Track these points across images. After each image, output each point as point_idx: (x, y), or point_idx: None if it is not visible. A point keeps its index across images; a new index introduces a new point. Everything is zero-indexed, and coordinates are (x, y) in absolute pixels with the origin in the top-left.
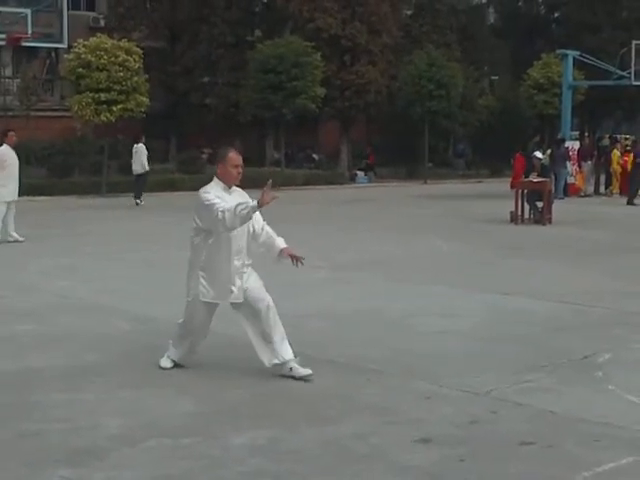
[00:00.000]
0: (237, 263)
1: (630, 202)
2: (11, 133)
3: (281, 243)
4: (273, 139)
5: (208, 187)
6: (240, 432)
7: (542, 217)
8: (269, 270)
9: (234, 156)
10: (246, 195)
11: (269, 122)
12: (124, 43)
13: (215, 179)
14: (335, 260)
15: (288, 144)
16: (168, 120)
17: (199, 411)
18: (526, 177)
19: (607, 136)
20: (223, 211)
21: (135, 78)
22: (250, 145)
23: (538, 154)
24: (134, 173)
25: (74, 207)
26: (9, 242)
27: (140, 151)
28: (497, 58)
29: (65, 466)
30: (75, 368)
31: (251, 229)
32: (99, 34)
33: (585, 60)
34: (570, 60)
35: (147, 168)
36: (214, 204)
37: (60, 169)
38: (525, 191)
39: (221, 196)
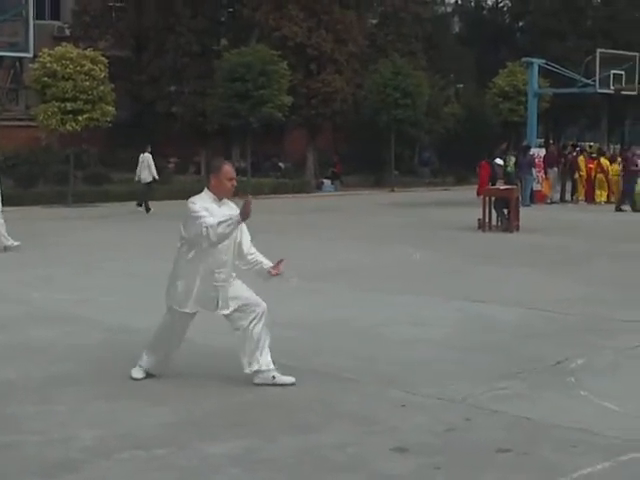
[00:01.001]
0: (221, 276)
1: (618, 208)
2: None
3: (267, 264)
4: (239, 148)
5: (197, 198)
6: (216, 442)
7: (510, 224)
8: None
9: (229, 169)
10: (235, 207)
11: (235, 131)
12: (90, 52)
13: (206, 190)
14: (304, 269)
15: (254, 153)
16: (135, 129)
17: (174, 421)
18: (492, 184)
19: (570, 144)
20: (207, 227)
21: (101, 87)
22: (216, 154)
23: (499, 161)
24: (142, 182)
25: (41, 217)
26: None
27: (147, 160)
28: (462, 66)
29: (39, 478)
30: (49, 379)
31: (236, 246)
32: (64, 43)
33: (550, 68)
34: (535, 68)
35: (156, 176)
36: (200, 217)
37: (25, 179)
38: (492, 198)
39: (209, 208)
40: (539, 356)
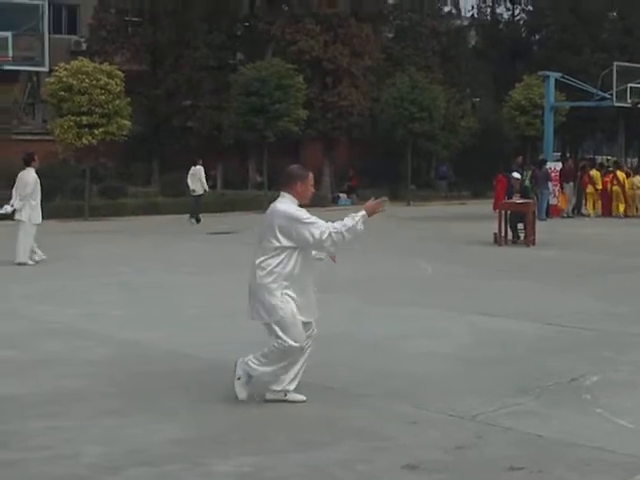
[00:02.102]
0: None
1: None
2: (35, 156)
3: None
4: (255, 162)
5: (290, 203)
6: (224, 459)
7: (525, 239)
8: (246, 293)
9: (311, 175)
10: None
11: (251, 145)
12: (105, 66)
13: (289, 197)
14: (317, 282)
15: (271, 167)
16: (150, 143)
17: (183, 438)
18: (509, 198)
19: (587, 158)
20: (331, 232)
21: (117, 101)
22: (233, 168)
23: (516, 174)
24: (192, 194)
25: (57, 231)
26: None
27: (198, 172)
28: (479, 80)
29: None
30: (56, 394)
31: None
32: (81, 57)
33: (567, 81)
34: (552, 81)
35: (207, 188)
36: (316, 222)
37: (42, 193)
38: (508, 212)
39: None
40: (553, 372)
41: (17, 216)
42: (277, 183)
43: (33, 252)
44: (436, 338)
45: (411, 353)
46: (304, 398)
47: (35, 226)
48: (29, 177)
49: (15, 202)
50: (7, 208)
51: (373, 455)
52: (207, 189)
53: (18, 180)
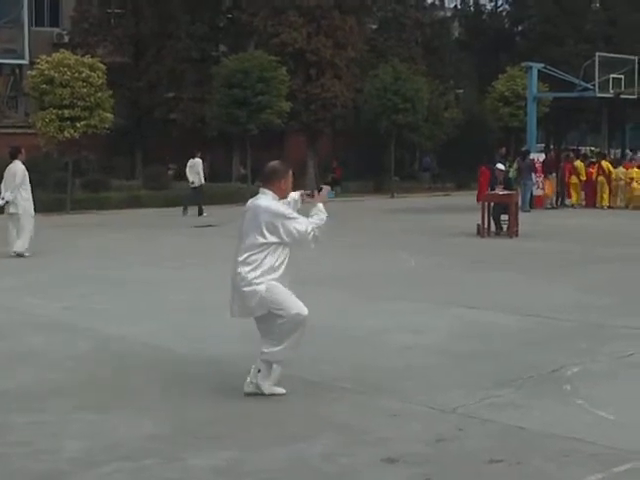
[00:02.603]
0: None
1: None
2: (22, 149)
3: None
4: (239, 154)
5: (271, 199)
6: (202, 453)
7: (508, 230)
8: (229, 287)
9: (290, 172)
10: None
11: (235, 137)
12: (87, 59)
13: (271, 193)
14: (300, 276)
15: (254, 159)
16: (133, 136)
17: (162, 432)
18: (491, 190)
19: (570, 149)
20: (313, 227)
21: (99, 94)
22: (216, 161)
23: (500, 166)
24: (191, 186)
25: (40, 225)
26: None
27: (197, 164)
28: (462, 71)
29: None
30: (37, 389)
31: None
32: (63, 50)
33: (549, 72)
34: (534, 72)
35: (203, 181)
36: (299, 218)
37: None
38: (491, 204)
39: None
40: (535, 364)
41: (11, 209)
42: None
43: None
44: (419, 332)
45: (394, 347)
46: (284, 391)
47: (32, 217)
48: (17, 169)
49: (5, 194)
50: None
51: (354, 448)
52: (203, 182)
53: (6, 174)
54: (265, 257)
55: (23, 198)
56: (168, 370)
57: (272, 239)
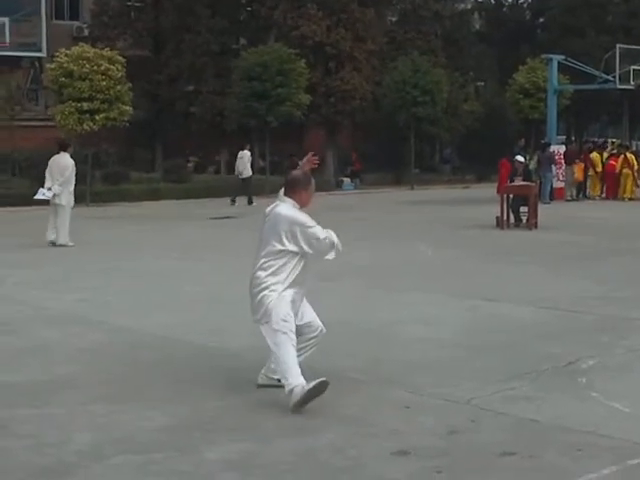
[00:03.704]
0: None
1: None
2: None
3: None
4: (258, 147)
5: (293, 208)
6: (213, 446)
7: (527, 222)
8: (246, 278)
9: (314, 183)
10: None
11: (254, 130)
12: (106, 52)
13: (291, 201)
14: (318, 267)
15: (274, 152)
16: (153, 129)
17: (172, 425)
18: (511, 182)
19: (591, 140)
20: (329, 238)
21: (118, 87)
22: (236, 153)
23: (520, 158)
24: (240, 177)
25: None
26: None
27: (245, 156)
28: (482, 64)
29: None
30: (47, 382)
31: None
32: (82, 43)
33: (570, 64)
34: (555, 64)
35: (250, 173)
36: (318, 226)
37: (44, 179)
38: (511, 196)
39: None
40: (550, 356)
41: (56, 200)
42: (280, 170)
43: (53, 233)
44: (433, 323)
45: (408, 339)
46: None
47: (70, 210)
48: (67, 162)
49: (54, 187)
50: (46, 193)
51: (364, 441)
52: (250, 173)
53: (53, 164)
54: (283, 265)
55: (69, 191)
56: (181, 362)
57: (291, 247)
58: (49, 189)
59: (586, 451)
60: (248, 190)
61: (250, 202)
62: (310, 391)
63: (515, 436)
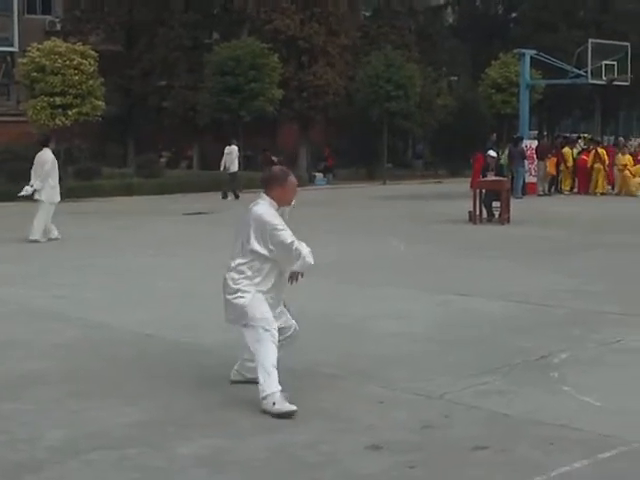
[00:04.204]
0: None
1: None
2: (52, 137)
3: None
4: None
5: (267, 207)
6: (187, 442)
7: (500, 217)
8: (220, 274)
9: (293, 180)
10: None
11: (227, 125)
12: (79, 46)
13: (268, 199)
14: None
15: (247, 147)
16: (125, 124)
17: (145, 421)
18: (483, 176)
19: (562, 135)
20: (297, 246)
21: (90, 82)
22: (209, 148)
23: (492, 152)
24: (227, 172)
25: (33, 213)
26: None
27: (233, 152)
28: (455, 58)
29: None
30: (20, 378)
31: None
32: (54, 38)
33: (542, 59)
34: (527, 59)
35: (236, 168)
36: (287, 231)
37: (16, 175)
38: (483, 191)
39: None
40: (522, 350)
41: (37, 196)
42: (253, 165)
43: (48, 230)
44: (406, 318)
45: (381, 333)
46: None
47: (53, 205)
48: (47, 157)
49: (35, 182)
50: (27, 189)
51: (337, 436)
52: (236, 169)
53: (36, 161)
54: (258, 269)
55: (50, 186)
56: (155, 358)
57: (259, 248)
58: (31, 185)
59: (558, 445)
60: (234, 185)
61: (236, 197)
62: (280, 414)
63: (488, 430)
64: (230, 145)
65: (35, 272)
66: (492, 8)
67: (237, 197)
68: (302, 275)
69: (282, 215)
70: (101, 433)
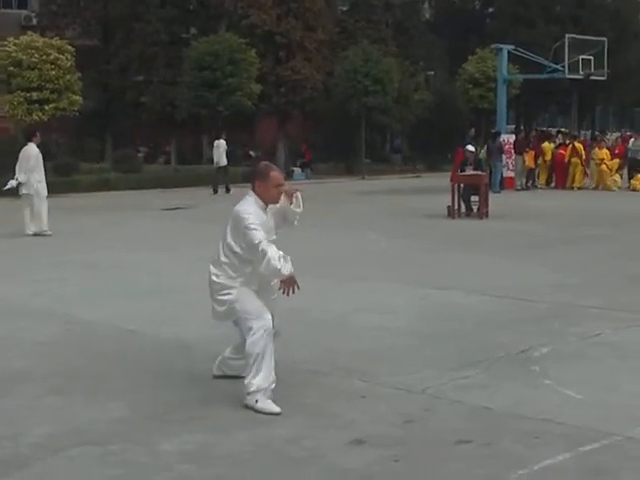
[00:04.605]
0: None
1: None
2: (37, 132)
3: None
4: (210, 137)
5: (248, 205)
6: (170, 437)
7: (478, 211)
8: (201, 269)
9: (277, 175)
10: (277, 208)
11: (205, 119)
12: (56, 41)
13: (253, 195)
14: None
15: (225, 142)
16: (103, 119)
17: (128, 417)
18: (462, 171)
19: (540, 130)
20: (266, 250)
21: (67, 76)
22: (186, 143)
23: (470, 147)
24: (215, 166)
25: (8, 208)
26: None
27: (221, 145)
28: (433, 53)
29: None
30: (2, 375)
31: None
32: (31, 32)
33: (519, 54)
34: (504, 54)
35: (225, 162)
36: (259, 232)
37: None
38: (461, 185)
39: (260, 219)
40: (504, 344)
41: (24, 190)
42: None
43: (33, 222)
44: (388, 313)
45: (362, 328)
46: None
47: (40, 200)
48: (31, 151)
49: (20, 176)
50: (12, 183)
51: (320, 431)
52: (225, 162)
53: (20, 155)
54: (239, 265)
55: (36, 180)
56: (138, 354)
57: (234, 245)
58: (16, 179)
59: (540, 438)
60: (224, 179)
61: (228, 190)
62: (263, 411)
63: (470, 424)
64: (219, 139)
65: (13, 268)
66: (469, 3)
67: (228, 191)
68: (297, 286)
69: (291, 221)
70: (85, 429)
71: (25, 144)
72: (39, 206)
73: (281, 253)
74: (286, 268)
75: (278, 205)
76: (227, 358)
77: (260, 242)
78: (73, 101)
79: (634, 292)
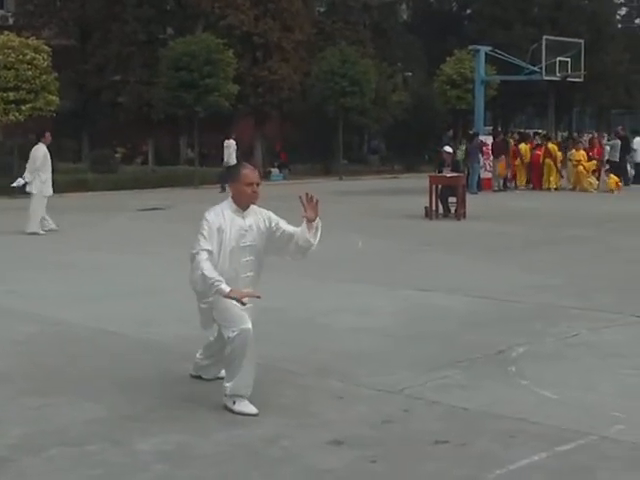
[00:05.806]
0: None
1: None
2: (47, 133)
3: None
4: (187, 138)
5: (215, 209)
6: (147, 437)
7: (456, 212)
8: (179, 269)
9: (248, 173)
10: (263, 212)
11: (182, 120)
12: (32, 41)
13: (229, 199)
14: None
15: (202, 142)
16: (80, 119)
17: (106, 417)
18: (439, 172)
19: (516, 132)
20: (200, 260)
21: (44, 77)
22: (164, 144)
23: (448, 148)
24: (225, 165)
25: (7, 207)
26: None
27: (231, 145)
28: (410, 54)
29: None
30: None
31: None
32: (7, 32)
33: (497, 55)
34: (482, 55)
35: (234, 161)
36: (204, 240)
37: None
38: (439, 186)
39: (222, 224)
40: (481, 345)
41: (28, 189)
42: (209, 161)
43: (44, 221)
44: (366, 313)
45: (341, 329)
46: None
47: (45, 198)
48: (38, 152)
49: (26, 175)
50: (20, 181)
51: (298, 431)
52: (234, 162)
53: (30, 155)
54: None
55: (41, 180)
56: (114, 354)
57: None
58: (23, 177)
59: (517, 438)
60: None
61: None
62: (241, 413)
63: (447, 424)
64: (229, 139)
65: None
66: (446, 4)
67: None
68: (258, 296)
69: (301, 252)
70: (62, 430)
71: (36, 143)
72: (36, 206)
73: (215, 277)
74: (214, 290)
75: (292, 229)
76: (198, 359)
77: (197, 252)
78: (50, 101)
79: (615, 293)
